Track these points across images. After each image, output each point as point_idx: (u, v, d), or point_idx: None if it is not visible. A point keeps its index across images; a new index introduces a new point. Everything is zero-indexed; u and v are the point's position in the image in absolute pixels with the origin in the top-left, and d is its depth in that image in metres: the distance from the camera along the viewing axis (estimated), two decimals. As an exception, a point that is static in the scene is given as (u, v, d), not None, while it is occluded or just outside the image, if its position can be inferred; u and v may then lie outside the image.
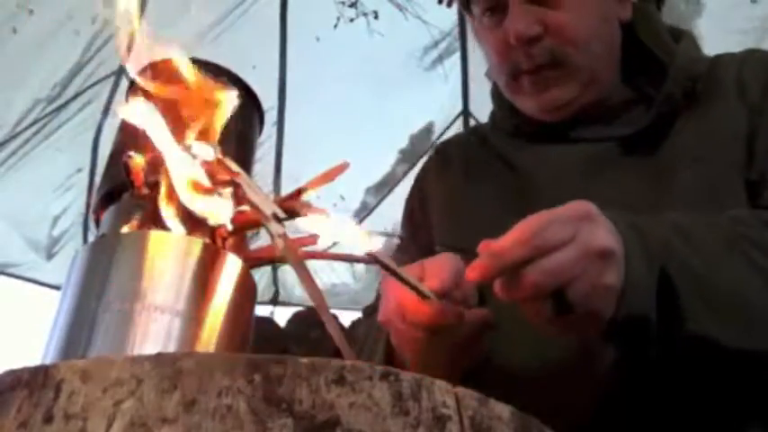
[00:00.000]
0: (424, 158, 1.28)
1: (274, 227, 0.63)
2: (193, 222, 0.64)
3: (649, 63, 1.04)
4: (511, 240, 0.70)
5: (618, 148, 1.01)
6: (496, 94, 1.15)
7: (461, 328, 0.79)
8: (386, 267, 0.71)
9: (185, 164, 0.64)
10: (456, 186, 1.14)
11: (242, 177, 0.66)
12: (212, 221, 0.64)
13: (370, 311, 1.13)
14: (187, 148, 0.66)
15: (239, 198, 0.66)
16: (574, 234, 0.70)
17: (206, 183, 0.65)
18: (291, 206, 0.67)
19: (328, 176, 0.71)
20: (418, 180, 1.24)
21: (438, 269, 0.80)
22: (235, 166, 0.67)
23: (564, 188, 0.97)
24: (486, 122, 1.21)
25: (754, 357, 0.79)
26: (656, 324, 0.74)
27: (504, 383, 0.90)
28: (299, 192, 0.68)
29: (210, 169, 0.66)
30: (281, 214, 0.64)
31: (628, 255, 0.73)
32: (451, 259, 0.82)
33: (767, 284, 0.78)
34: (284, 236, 0.63)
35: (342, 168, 0.71)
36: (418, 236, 1.15)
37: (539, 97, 1.03)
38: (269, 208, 0.64)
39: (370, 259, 0.68)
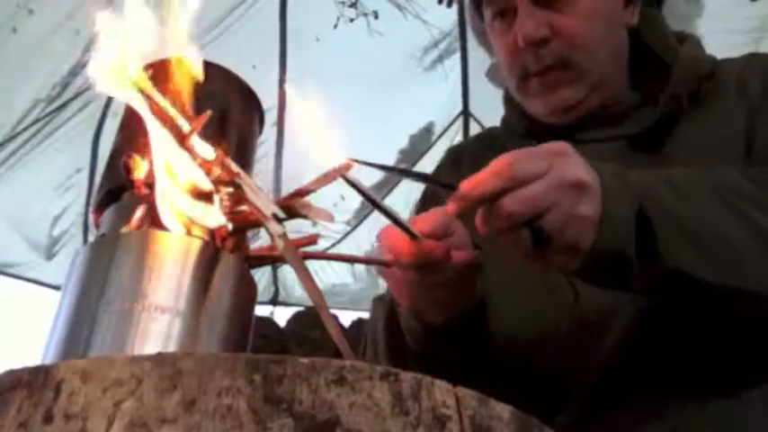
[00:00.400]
0: (424, 159, 1.30)
1: (274, 227, 0.63)
2: (193, 222, 0.64)
3: (656, 66, 1.06)
4: (487, 173, 0.74)
5: (624, 147, 1.03)
6: (507, 98, 1.18)
7: (451, 268, 0.82)
8: (370, 200, 0.73)
9: (184, 165, 0.64)
10: None
11: (242, 177, 0.66)
12: (206, 225, 0.64)
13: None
14: (187, 149, 0.66)
15: (239, 198, 0.66)
16: (548, 167, 0.74)
17: (205, 183, 0.65)
18: (292, 206, 0.67)
19: (329, 177, 0.71)
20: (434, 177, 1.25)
21: (428, 216, 0.84)
22: (235, 166, 0.67)
23: None
24: (498, 126, 1.23)
25: (747, 298, 0.81)
26: (636, 259, 0.76)
27: (506, 346, 0.93)
28: (299, 192, 0.68)
29: (210, 169, 0.66)
30: (281, 214, 0.64)
31: (605, 190, 0.76)
32: (442, 210, 0.85)
33: (754, 232, 0.80)
34: (284, 236, 0.63)
35: (343, 169, 0.71)
36: None
37: (547, 98, 1.06)
38: (269, 208, 0.64)
39: (349, 183, 0.70)
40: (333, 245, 5.00)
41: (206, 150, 0.68)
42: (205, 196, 0.64)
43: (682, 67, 1.04)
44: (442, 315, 0.88)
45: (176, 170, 0.64)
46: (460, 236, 0.85)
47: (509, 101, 1.17)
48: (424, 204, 1.22)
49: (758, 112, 0.98)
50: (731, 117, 0.99)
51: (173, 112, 0.67)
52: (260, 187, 0.67)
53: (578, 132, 1.06)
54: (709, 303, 0.82)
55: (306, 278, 0.62)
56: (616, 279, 0.79)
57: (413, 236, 0.78)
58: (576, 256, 0.75)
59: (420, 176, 0.81)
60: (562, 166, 0.74)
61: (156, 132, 0.64)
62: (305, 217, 0.67)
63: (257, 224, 0.66)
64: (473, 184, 0.74)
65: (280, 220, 0.64)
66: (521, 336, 0.95)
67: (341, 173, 0.71)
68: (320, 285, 0.66)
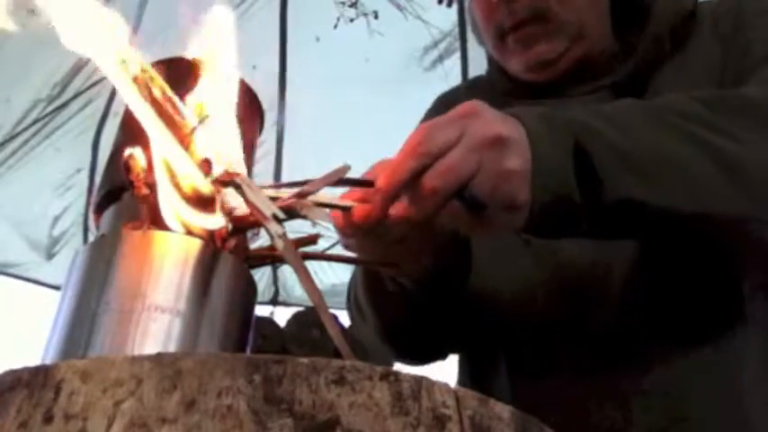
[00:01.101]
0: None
1: (274, 227, 0.63)
2: (192, 223, 0.64)
3: (640, 13, 1.03)
4: (399, 156, 0.70)
5: (607, 96, 0.99)
6: (490, 59, 1.15)
7: (397, 224, 0.76)
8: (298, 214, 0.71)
9: (184, 166, 0.64)
10: None
11: (242, 177, 0.66)
12: (205, 226, 0.64)
13: None
14: (187, 149, 0.66)
15: (239, 199, 0.66)
16: (461, 131, 0.70)
17: (205, 184, 0.65)
18: (291, 207, 0.67)
19: (329, 179, 0.71)
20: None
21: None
22: (234, 166, 0.67)
23: None
24: (485, 75, 1.21)
25: (707, 222, 0.77)
26: (582, 199, 0.72)
27: (491, 307, 0.94)
28: (298, 194, 0.68)
29: (210, 170, 0.66)
30: (281, 215, 0.64)
31: (532, 137, 0.72)
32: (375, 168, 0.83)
33: (700, 150, 0.76)
34: (284, 236, 0.63)
35: (343, 171, 0.71)
36: None
37: (524, 55, 1.02)
38: (269, 208, 0.64)
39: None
40: (332, 245, 5.00)
41: (206, 151, 0.68)
42: (205, 202, 0.64)
43: (662, 5, 1.00)
44: (418, 268, 0.86)
45: (176, 171, 0.64)
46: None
47: (492, 62, 1.14)
48: None
49: (729, 48, 0.96)
50: (706, 53, 0.97)
51: (177, 111, 0.67)
52: (260, 188, 0.67)
53: (562, 88, 1.03)
54: (666, 232, 0.79)
55: (306, 279, 0.62)
56: (567, 226, 0.75)
57: (345, 209, 0.73)
58: (517, 212, 0.72)
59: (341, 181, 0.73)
60: (476, 126, 0.70)
61: (156, 132, 0.64)
62: (304, 217, 0.67)
63: (257, 224, 0.66)
64: (388, 175, 0.69)
65: (279, 221, 0.64)
66: (500, 298, 0.95)
67: (340, 175, 0.71)
68: (320, 285, 0.66)
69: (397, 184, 0.70)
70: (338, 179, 0.72)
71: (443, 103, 1.22)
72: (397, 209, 0.71)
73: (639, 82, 0.98)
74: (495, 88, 1.14)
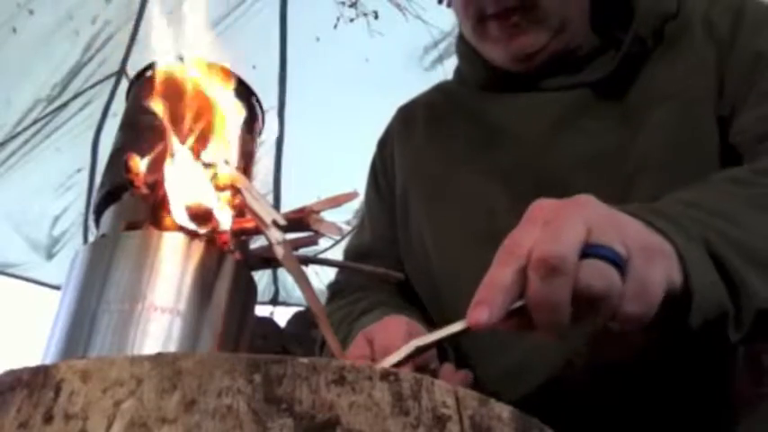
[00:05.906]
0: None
1: (273, 234, 0.62)
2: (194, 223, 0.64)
3: (619, 8, 1.01)
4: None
5: (588, 94, 0.98)
6: (461, 46, 1.12)
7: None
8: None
9: (188, 168, 0.64)
10: (420, 147, 1.12)
11: (243, 182, 0.66)
12: (213, 227, 0.64)
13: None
14: (189, 152, 0.66)
15: (240, 203, 0.66)
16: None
17: (208, 187, 0.65)
18: (303, 219, 0.67)
19: (335, 201, 0.71)
20: (381, 144, 1.21)
21: (386, 345, 0.79)
22: (235, 170, 0.67)
23: (532, 139, 0.97)
24: (449, 80, 1.19)
25: None
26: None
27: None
28: (301, 210, 0.69)
29: (212, 173, 0.66)
30: (281, 221, 0.64)
31: (681, 253, 0.63)
32: (400, 328, 0.83)
33: None
34: (283, 243, 0.63)
35: (351, 196, 0.72)
36: (381, 206, 1.16)
37: (507, 44, 1.00)
38: (269, 215, 0.64)
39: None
40: (333, 245, 4.99)
41: (208, 154, 0.68)
42: (207, 204, 0.64)
43: (645, 6, 0.98)
44: None
45: (180, 173, 0.64)
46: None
47: (463, 49, 1.11)
48: (375, 184, 1.18)
49: (728, 54, 0.93)
50: (699, 55, 0.94)
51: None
52: (261, 194, 0.67)
53: (539, 80, 1.01)
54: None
55: (305, 285, 0.62)
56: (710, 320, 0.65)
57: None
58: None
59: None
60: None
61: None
62: (315, 232, 0.67)
63: (257, 231, 0.66)
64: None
65: (279, 227, 0.63)
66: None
67: (345, 200, 0.71)
68: (319, 285, 0.66)
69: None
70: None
71: (405, 114, 1.20)
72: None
73: (621, 81, 0.96)
74: (465, 85, 1.12)
